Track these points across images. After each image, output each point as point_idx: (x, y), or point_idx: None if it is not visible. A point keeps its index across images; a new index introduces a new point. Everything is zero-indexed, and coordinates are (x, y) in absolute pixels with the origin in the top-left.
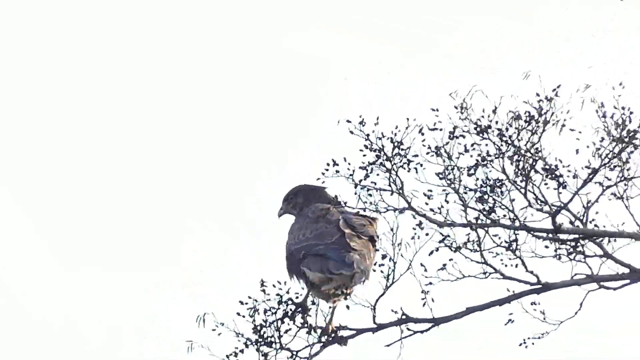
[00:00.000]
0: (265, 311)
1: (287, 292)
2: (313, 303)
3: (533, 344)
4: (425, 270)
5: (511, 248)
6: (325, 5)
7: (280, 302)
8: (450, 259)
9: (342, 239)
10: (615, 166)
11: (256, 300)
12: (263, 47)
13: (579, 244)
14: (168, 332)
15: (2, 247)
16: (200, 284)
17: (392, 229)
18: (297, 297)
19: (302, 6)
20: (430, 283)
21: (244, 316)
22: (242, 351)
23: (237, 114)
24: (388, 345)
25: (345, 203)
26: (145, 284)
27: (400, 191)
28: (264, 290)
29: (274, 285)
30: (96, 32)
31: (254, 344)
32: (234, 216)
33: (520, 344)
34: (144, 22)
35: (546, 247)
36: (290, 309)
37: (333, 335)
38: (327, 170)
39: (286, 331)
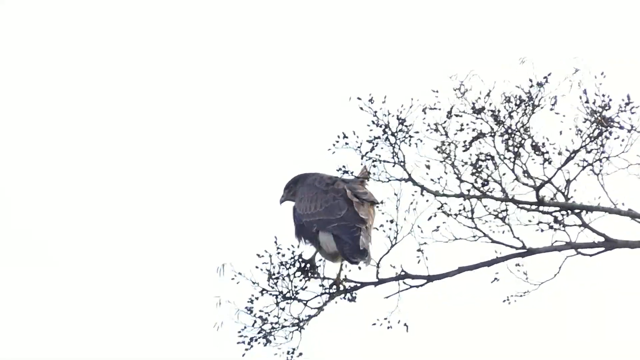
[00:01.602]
0: (280, 264)
1: (300, 255)
2: (320, 260)
3: (515, 301)
4: (422, 232)
5: (500, 216)
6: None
7: (293, 259)
8: (444, 222)
9: (351, 211)
10: (591, 149)
11: (271, 255)
12: (262, 46)
13: (559, 215)
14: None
15: None
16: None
17: (396, 194)
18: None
19: (301, 4)
20: (425, 243)
21: (261, 269)
22: (257, 298)
23: (237, 112)
24: (387, 297)
25: (351, 172)
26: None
27: (402, 163)
28: (278, 248)
29: (287, 249)
30: (94, 35)
31: (270, 293)
32: (235, 214)
33: (504, 300)
34: (143, 23)
35: (529, 220)
36: (301, 267)
37: (342, 286)
38: (337, 142)
39: (303, 288)
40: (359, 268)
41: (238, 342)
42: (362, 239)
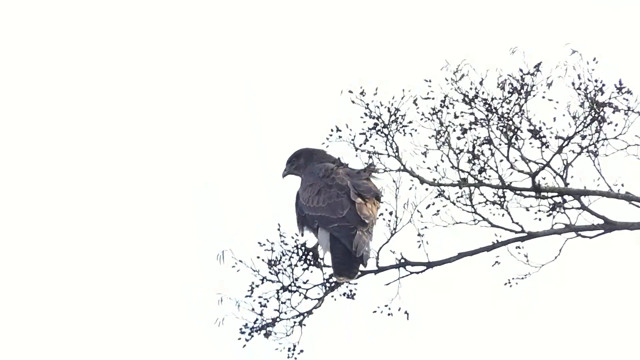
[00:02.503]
0: (282, 254)
1: (304, 244)
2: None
3: (517, 283)
4: (422, 216)
5: (498, 202)
6: None
7: (295, 247)
8: (444, 206)
9: (353, 212)
10: (585, 136)
11: (273, 243)
12: (255, 39)
13: (557, 202)
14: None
15: None
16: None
17: (394, 181)
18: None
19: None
20: (426, 227)
21: (263, 260)
22: (257, 286)
23: (231, 106)
24: (388, 284)
25: (347, 165)
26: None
27: (397, 154)
28: (281, 236)
29: (292, 237)
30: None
31: (270, 281)
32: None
33: (505, 284)
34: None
35: (527, 209)
36: (304, 255)
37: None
38: (330, 135)
39: (305, 282)
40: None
41: (240, 339)
42: (361, 245)
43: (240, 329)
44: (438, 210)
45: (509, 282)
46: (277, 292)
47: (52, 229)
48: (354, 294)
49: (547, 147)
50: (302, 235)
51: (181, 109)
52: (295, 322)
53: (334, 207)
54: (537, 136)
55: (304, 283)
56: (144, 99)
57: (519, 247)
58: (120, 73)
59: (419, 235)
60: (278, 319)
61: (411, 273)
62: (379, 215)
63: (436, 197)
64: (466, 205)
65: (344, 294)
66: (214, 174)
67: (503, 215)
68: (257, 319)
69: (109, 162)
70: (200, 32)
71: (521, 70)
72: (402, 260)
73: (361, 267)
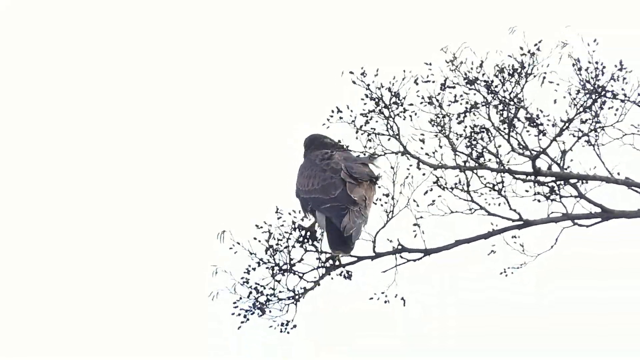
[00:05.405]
0: (279, 235)
1: (302, 220)
2: (320, 232)
3: (512, 273)
4: (418, 205)
5: (496, 188)
6: None
7: (293, 228)
8: (439, 196)
9: (344, 193)
10: (586, 120)
11: (270, 225)
12: (262, 38)
13: (556, 186)
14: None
15: None
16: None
17: (392, 167)
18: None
19: None
20: (422, 217)
21: (259, 240)
22: (254, 269)
23: (230, 88)
24: (384, 272)
25: (347, 147)
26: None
27: (397, 136)
28: (279, 218)
29: (289, 213)
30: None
31: (266, 263)
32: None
33: (501, 273)
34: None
35: (526, 190)
36: (301, 235)
37: (338, 261)
38: (331, 116)
39: (300, 260)
40: (338, 259)
41: (233, 314)
42: (349, 225)
43: (234, 303)
44: (433, 200)
45: (505, 272)
46: (272, 269)
47: (52, 227)
48: (351, 275)
49: (544, 134)
50: (305, 218)
51: (181, 107)
52: (289, 303)
53: (327, 188)
54: (534, 124)
55: (299, 262)
56: (143, 100)
57: (514, 237)
58: (118, 74)
59: (415, 225)
60: (274, 299)
61: (408, 260)
62: (377, 200)
63: (434, 182)
64: (463, 191)
65: (341, 274)
66: (214, 173)
67: (500, 204)
68: (250, 296)
69: (109, 161)
70: (199, 32)
71: (521, 49)
72: (399, 247)
73: (359, 254)
